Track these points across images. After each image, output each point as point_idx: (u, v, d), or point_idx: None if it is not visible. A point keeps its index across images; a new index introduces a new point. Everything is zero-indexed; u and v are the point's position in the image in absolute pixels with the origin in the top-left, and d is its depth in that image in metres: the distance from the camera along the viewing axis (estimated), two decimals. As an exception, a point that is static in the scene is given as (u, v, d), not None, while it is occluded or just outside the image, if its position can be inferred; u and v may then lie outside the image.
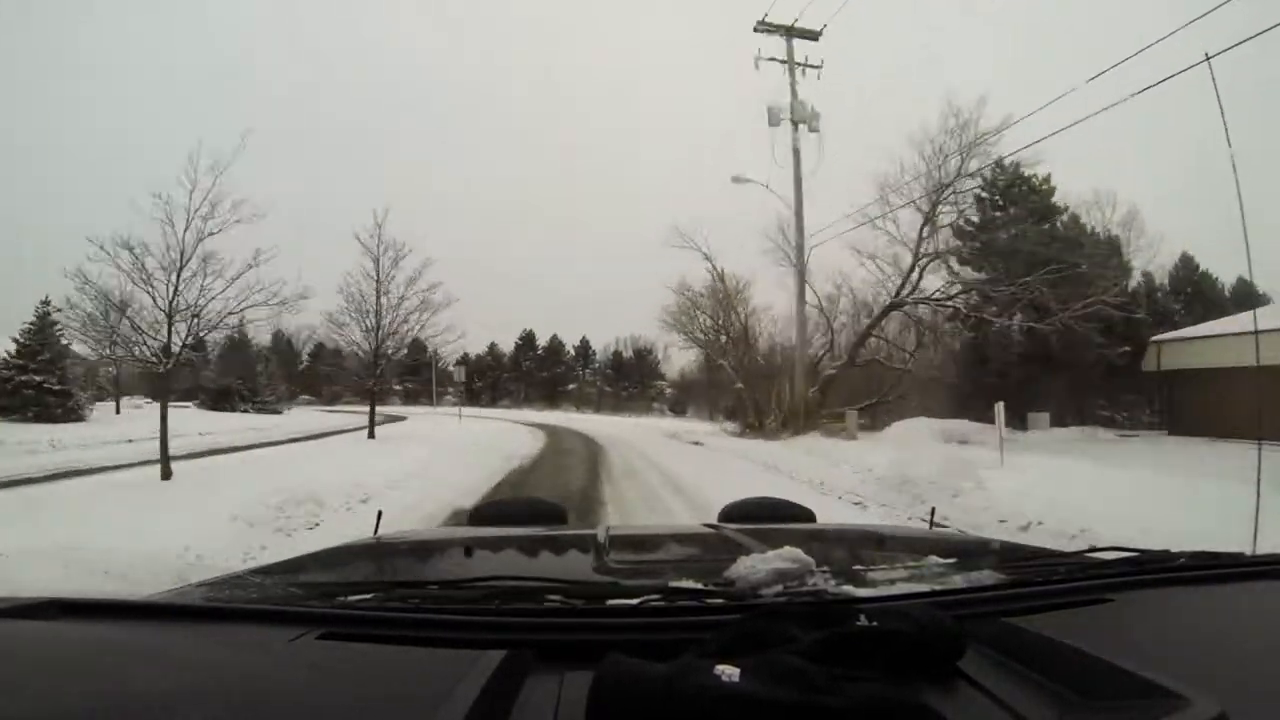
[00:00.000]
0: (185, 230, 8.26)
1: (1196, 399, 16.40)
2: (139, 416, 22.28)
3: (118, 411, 27.02)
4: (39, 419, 20.60)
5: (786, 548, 0.86)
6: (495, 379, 59.68)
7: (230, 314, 9.08)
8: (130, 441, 14.54)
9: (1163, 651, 0.67)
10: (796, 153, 17.10)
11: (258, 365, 34.23)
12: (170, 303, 8.33)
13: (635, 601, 0.78)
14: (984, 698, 0.59)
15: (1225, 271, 23.81)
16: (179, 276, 8.31)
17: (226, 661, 0.65)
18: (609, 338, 59.51)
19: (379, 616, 0.77)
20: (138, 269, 8.28)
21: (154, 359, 8.57)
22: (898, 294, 18.39)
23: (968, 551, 1.27)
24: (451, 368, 27.73)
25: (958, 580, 0.90)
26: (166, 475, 8.26)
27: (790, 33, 17.25)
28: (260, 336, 33.56)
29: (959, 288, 18.62)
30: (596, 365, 59.17)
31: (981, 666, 0.64)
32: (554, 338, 60.98)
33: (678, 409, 45.48)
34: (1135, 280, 21.57)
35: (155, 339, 8.53)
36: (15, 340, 22.10)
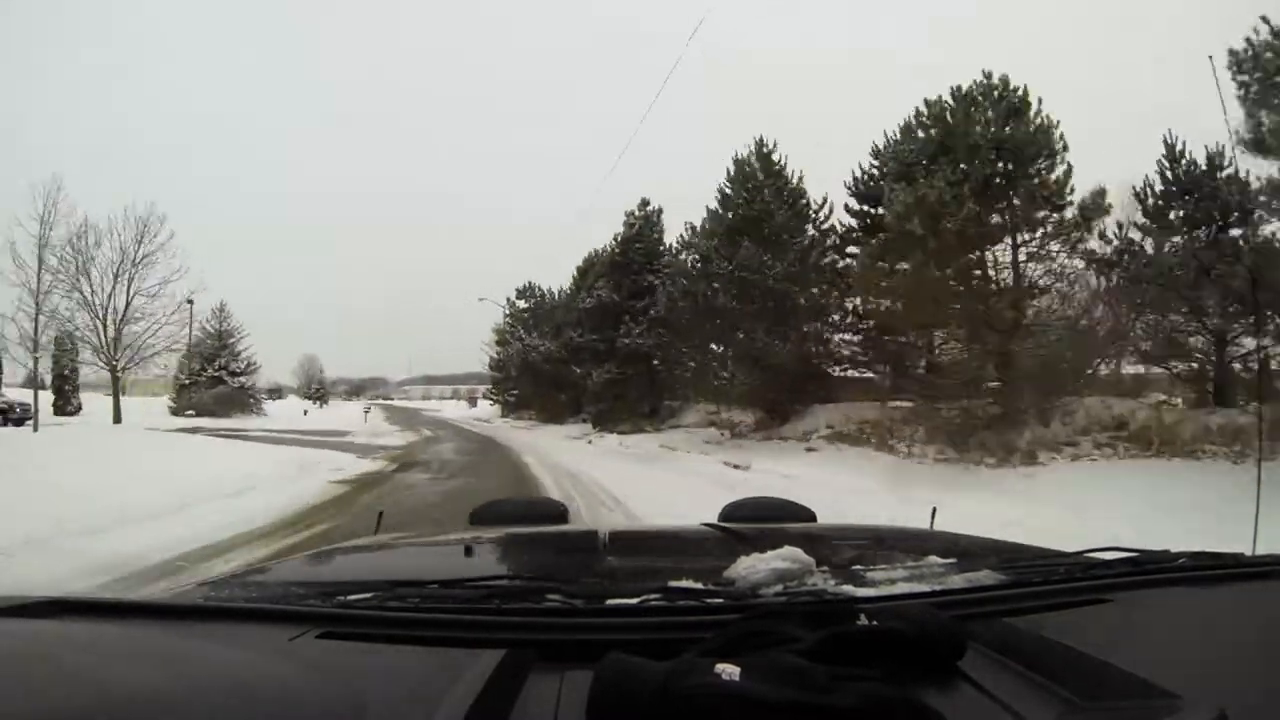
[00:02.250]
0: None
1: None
2: None
3: None
4: None
5: (786, 547, 0.86)
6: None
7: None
8: None
9: (1162, 651, 0.67)
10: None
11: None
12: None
13: (635, 601, 0.78)
14: (984, 698, 0.59)
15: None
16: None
17: (226, 661, 0.65)
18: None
19: (379, 616, 0.77)
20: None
21: None
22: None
23: (968, 551, 1.27)
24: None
25: (958, 580, 0.89)
26: None
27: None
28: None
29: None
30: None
31: (981, 666, 0.64)
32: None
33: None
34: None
35: None
36: None
